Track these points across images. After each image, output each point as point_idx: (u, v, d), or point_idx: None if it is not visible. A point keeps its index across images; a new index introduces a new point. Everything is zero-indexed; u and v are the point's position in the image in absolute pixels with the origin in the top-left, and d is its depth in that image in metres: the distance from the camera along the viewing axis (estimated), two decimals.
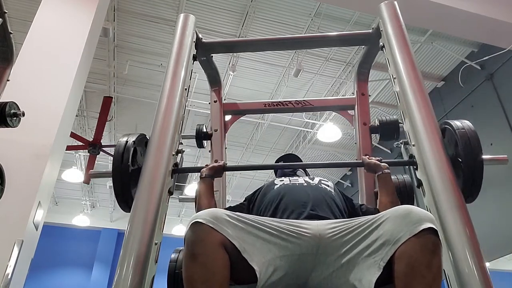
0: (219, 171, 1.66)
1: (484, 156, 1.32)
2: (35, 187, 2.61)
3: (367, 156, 1.67)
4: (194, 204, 2.01)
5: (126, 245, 1.12)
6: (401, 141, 1.72)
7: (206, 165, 1.67)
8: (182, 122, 1.64)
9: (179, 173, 1.54)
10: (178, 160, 1.57)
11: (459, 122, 1.38)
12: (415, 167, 1.41)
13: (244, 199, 1.66)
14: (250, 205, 1.60)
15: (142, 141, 1.53)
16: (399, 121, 1.57)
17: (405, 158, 1.58)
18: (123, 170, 1.41)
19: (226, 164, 1.69)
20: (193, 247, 1.02)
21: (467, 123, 1.37)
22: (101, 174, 1.66)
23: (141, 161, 1.47)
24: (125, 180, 1.41)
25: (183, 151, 1.63)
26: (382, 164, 1.55)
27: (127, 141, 1.45)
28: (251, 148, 8.33)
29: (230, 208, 1.52)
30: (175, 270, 1.35)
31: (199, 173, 1.63)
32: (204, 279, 0.99)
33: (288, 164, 1.95)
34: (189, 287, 1.01)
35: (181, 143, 1.65)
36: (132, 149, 1.44)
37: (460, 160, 1.33)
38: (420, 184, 1.37)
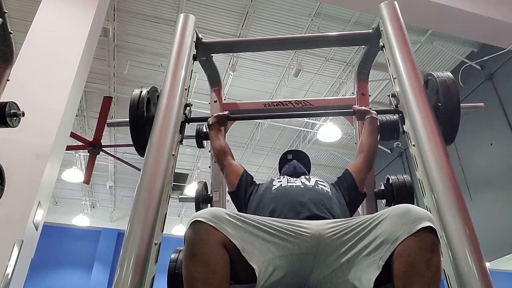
0: (223, 119, 1.83)
1: (462, 104, 1.44)
2: (35, 187, 2.61)
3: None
4: (194, 204, 2.02)
5: (126, 245, 1.12)
6: (388, 94, 1.76)
7: (212, 115, 1.85)
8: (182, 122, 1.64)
9: (188, 122, 1.69)
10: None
11: (440, 72, 1.51)
12: (401, 114, 1.55)
13: (252, 177, 1.69)
14: (248, 192, 1.61)
15: (154, 94, 1.70)
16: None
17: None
18: (139, 116, 1.57)
19: (229, 114, 1.86)
20: (193, 246, 1.02)
21: (447, 73, 1.49)
22: (119, 122, 1.82)
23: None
24: (141, 125, 1.57)
25: (191, 105, 1.75)
26: (371, 110, 1.71)
27: (141, 91, 1.62)
28: (251, 148, 8.32)
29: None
30: (175, 270, 1.35)
31: (207, 122, 1.83)
32: (204, 278, 0.98)
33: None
34: (189, 287, 1.00)
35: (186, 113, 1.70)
36: (146, 98, 1.61)
37: (440, 104, 1.45)
38: (405, 131, 1.50)
